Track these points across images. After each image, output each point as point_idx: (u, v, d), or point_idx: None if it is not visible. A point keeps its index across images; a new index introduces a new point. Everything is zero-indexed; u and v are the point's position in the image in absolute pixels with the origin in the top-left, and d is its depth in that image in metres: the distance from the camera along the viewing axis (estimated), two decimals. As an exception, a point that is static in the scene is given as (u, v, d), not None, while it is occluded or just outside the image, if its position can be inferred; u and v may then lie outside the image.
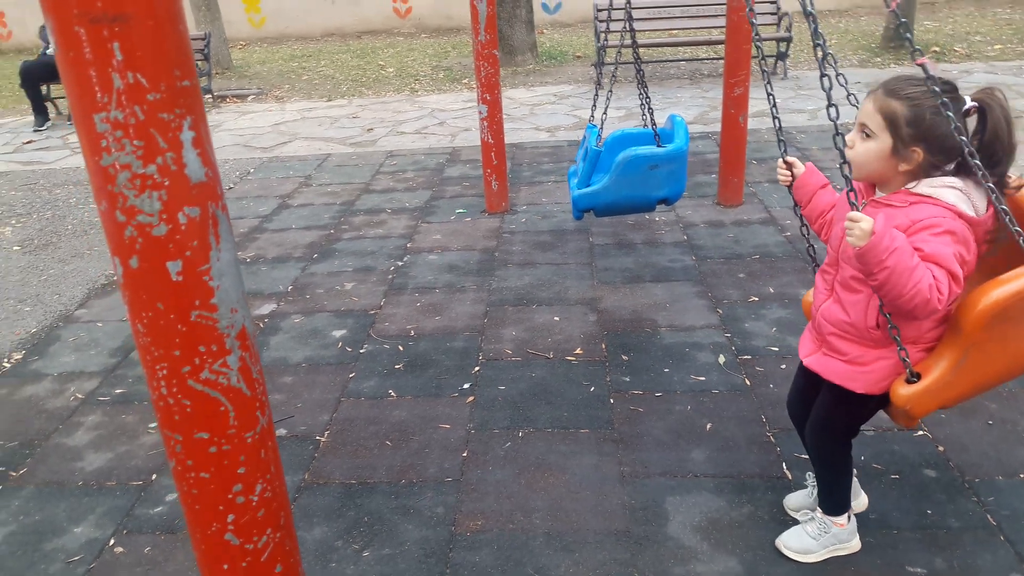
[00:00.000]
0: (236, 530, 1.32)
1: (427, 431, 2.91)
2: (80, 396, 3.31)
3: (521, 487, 2.58)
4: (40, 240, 5.31)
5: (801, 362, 2.15)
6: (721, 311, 3.65)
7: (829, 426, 2.10)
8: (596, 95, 4.21)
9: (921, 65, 1.76)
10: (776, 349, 3.29)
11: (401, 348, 3.52)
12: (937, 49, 9.70)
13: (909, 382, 1.86)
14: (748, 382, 3.07)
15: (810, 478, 2.39)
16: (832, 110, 1.89)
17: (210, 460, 1.26)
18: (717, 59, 9.65)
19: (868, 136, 1.85)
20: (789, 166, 2.19)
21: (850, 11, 13.05)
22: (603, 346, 3.42)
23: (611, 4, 4.16)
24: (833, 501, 2.20)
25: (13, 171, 7.17)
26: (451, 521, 2.45)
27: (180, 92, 1.12)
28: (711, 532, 2.33)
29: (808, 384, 2.18)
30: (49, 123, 8.87)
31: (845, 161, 1.82)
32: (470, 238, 4.79)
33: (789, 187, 2.22)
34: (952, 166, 1.82)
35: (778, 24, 9.04)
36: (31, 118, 8.92)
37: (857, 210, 1.75)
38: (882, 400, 1.97)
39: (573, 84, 9.43)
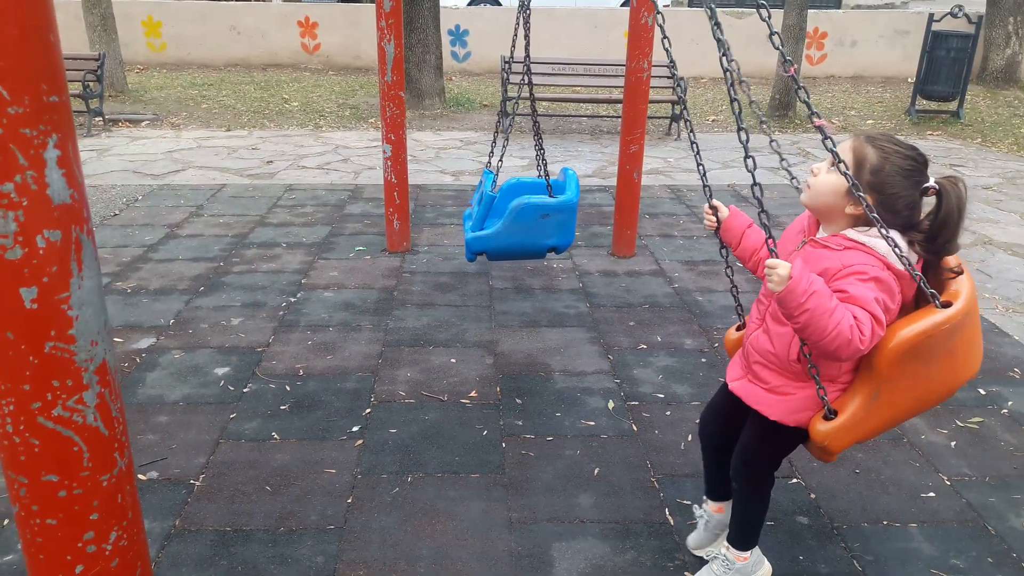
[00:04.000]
0: (85, 582, 1.21)
1: (311, 476, 2.80)
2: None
3: (407, 534, 2.51)
4: None
5: (725, 384, 2.22)
6: (612, 357, 3.72)
7: (753, 458, 2.15)
8: (494, 142, 4.28)
9: (819, 127, 1.87)
10: (662, 396, 3.37)
11: (288, 388, 3.39)
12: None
13: (827, 419, 1.95)
14: (635, 427, 3.13)
15: (697, 513, 2.44)
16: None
17: (58, 505, 1.16)
18: (616, 117, 10.01)
19: (829, 170, 1.96)
20: (715, 210, 2.28)
21: (741, 81, 13.85)
22: (498, 389, 3.41)
23: (512, 57, 4.26)
24: (745, 536, 2.26)
25: None
26: (331, 571, 2.35)
27: (46, 108, 1.05)
28: (593, 580, 2.33)
29: (727, 406, 2.23)
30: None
31: (763, 210, 2.00)
32: (368, 276, 4.71)
33: (716, 230, 2.31)
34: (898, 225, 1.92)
35: (674, 88, 9.49)
36: None
37: (775, 257, 1.86)
38: (801, 434, 2.05)
39: (479, 131, 9.55)
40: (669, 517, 2.61)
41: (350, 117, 10.13)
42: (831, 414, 1.95)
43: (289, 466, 2.85)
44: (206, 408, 3.22)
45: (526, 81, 3.99)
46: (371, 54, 13.67)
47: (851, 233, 1.92)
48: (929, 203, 1.92)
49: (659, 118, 9.73)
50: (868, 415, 1.94)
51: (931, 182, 1.88)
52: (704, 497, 2.44)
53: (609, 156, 8.17)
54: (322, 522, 2.56)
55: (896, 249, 1.84)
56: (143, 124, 9.48)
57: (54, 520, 1.17)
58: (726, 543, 2.28)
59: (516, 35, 4.00)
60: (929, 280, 1.88)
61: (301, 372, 3.53)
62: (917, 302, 1.94)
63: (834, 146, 1.88)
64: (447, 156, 8.15)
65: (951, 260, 1.96)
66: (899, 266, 1.86)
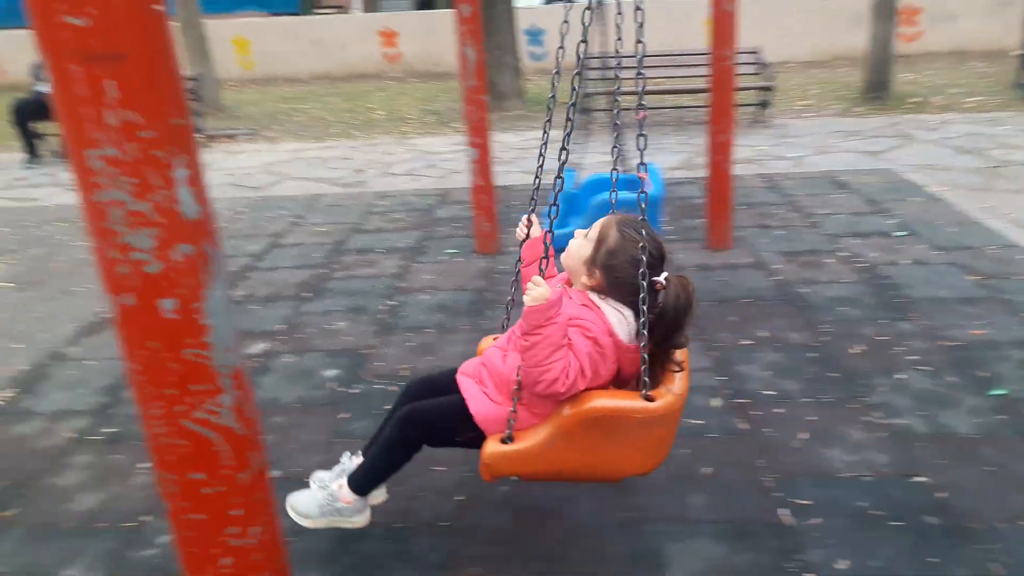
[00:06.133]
0: (232, 574, 1.27)
1: (422, 474, 2.84)
2: (71, 435, 3.22)
3: (519, 533, 2.52)
4: (30, 277, 5.24)
5: (453, 370, 2.39)
6: (714, 354, 3.63)
7: (426, 422, 2.24)
8: (566, 139, 4.25)
9: (641, 179, 2.10)
10: (772, 393, 3.26)
11: (393, 389, 3.47)
12: (918, 100, 9.92)
13: (503, 442, 2.10)
14: (745, 426, 3.04)
15: (345, 458, 2.51)
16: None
17: (204, 501, 1.23)
18: (700, 107, 9.81)
19: (587, 238, 2.17)
20: (529, 224, 2.44)
21: (829, 63, 13.36)
22: (597, 388, 3.38)
23: (587, 53, 4.19)
24: (365, 481, 2.34)
25: (3, 207, 7.12)
26: (448, 567, 2.38)
27: (174, 131, 1.11)
28: (712, 580, 2.27)
29: (441, 383, 2.37)
30: (39, 160, 8.84)
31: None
32: (461, 278, 4.77)
33: (521, 243, 2.45)
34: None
35: (760, 74, 9.22)
36: (21, 155, 8.89)
37: (542, 276, 2.03)
38: (475, 440, 2.19)
39: (561, 130, 9.53)
40: (786, 517, 2.52)
41: (433, 123, 10.30)
42: (508, 439, 2.10)
43: (399, 465, 2.90)
44: (318, 409, 3.33)
45: (605, 77, 3.94)
46: (450, 60, 13.86)
47: (592, 294, 2.13)
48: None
49: (746, 105, 9.47)
50: (536, 457, 2.09)
51: (661, 277, 2.05)
52: (360, 451, 2.50)
53: (695, 147, 8.00)
54: (436, 519, 2.60)
55: (622, 323, 2.05)
56: (240, 139, 9.91)
57: (201, 515, 1.23)
58: (344, 480, 2.36)
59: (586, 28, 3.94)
60: (654, 369, 2.05)
61: (405, 373, 3.61)
62: (637, 384, 2.08)
63: (646, 142, 2.14)
64: (530, 156, 8.16)
65: (677, 355, 2.14)
66: (623, 339, 2.05)
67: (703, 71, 8.63)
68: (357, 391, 3.47)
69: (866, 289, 4.26)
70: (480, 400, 2.20)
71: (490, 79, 10.41)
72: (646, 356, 2.01)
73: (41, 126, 8.93)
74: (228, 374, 1.21)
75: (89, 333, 4.26)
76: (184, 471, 1.20)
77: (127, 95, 1.05)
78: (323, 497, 2.36)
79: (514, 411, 2.10)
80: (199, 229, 1.16)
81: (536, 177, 2.50)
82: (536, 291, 1.94)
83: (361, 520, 2.40)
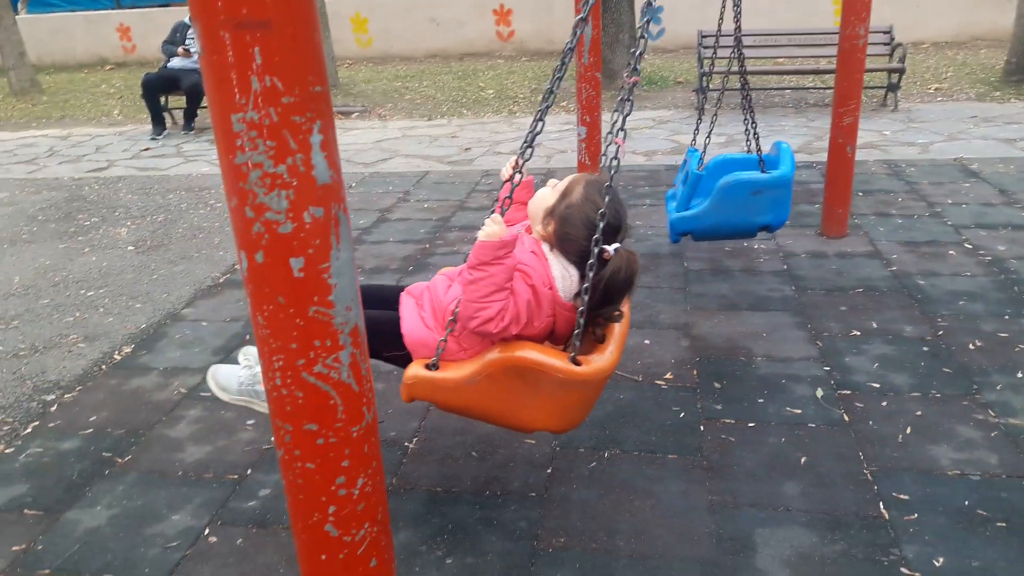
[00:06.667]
0: (336, 522, 1.36)
1: (512, 446, 2.92)
2: (183, 391, 3.48)
3: (606, 507, 2.56)
4: (152, 241, 5.64)
5: (401, 289, 2.46)
6: (821, 343, 3.53)
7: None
8: (699, 119, 4.18)
9: (617, 144, 2.04)
10: (877, 386, 3.15)
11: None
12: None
13: (427, 367, 2.15)
14: (847, 418, 2.95)
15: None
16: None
17: (316, 451, 1.32)
18: (823, 88, 9.39)
19: (555, 188, 2.20)
20: (516, 167, 2.40)
21: (968, 44, 12.46)
22: (694, 372, 3.36)
23: (719, 31, 4.13)
24: None
25: (131, 176, 7.66)
26: (534, 536, 2.45)
27: (312, 97, 1.18)
28: (801, 567, 2.25)
29: (387, 295, 2.42)
30: (166, 132, 9.39)
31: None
32: (563, 258, 4.79)
33: (504, 181, 2.45)
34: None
35: (891, 55, 8.73)
36: (149, 127, 9.48)
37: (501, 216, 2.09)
38: (402, 360, 2.25)
39: (673, 109, 9.36)
40: (884, 511, 2.45)
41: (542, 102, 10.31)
42: (432, 367, 2.15)
43: (492, 435, 2.99)
44: (418, 377, 3.46)
45: (736, 55, 3.86)
46: (564, 38, 13.77)
47: (544, 245, 2.17)
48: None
49: (873, 88, 8.99)
50: (455, 390, 2.13)
51: (610, 247, 2.04)
52: None
53: (816, 131, 7.69)
54: (524, 489, 2.67)
55: (564, 278, 2.09)
56: (353, 116, 10.24)
57: (312, 464, 1.33)
58: None
59: (724, 6, 3.87)
60: (585, 335, 2.08)
61: (502, 347, 3.68)
62: (567, 346, 2.10)
63: (631, 108, 2.05)
64: (639, 136, 8.07)
65: (615, 326, 2.17)
66: (561, 295, 2.08)
67: (829, 51, 8.26)
68: (458, 361, 3.57)
69: (990, 283, 4.02)
70: (414, 322, 2.26)
71: (603, 57, 10.31)
72: (581, 320, 2.03)
73: (169, 101, 9.51)
74: (348, 332, 1.29)
75: (205, 296, 4.56)
76: (300, 422, 1.29)
77: (270, 61, 1.12)
78: (247, 376, 2.46)
79: (444, 340, 2.14)
80: (330, 192, 1.23)
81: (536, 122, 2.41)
82: (491, 228, 1.98)
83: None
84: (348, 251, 1.27)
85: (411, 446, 2.96)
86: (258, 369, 2.43)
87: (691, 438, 2.90)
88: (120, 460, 2.98)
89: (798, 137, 7.52)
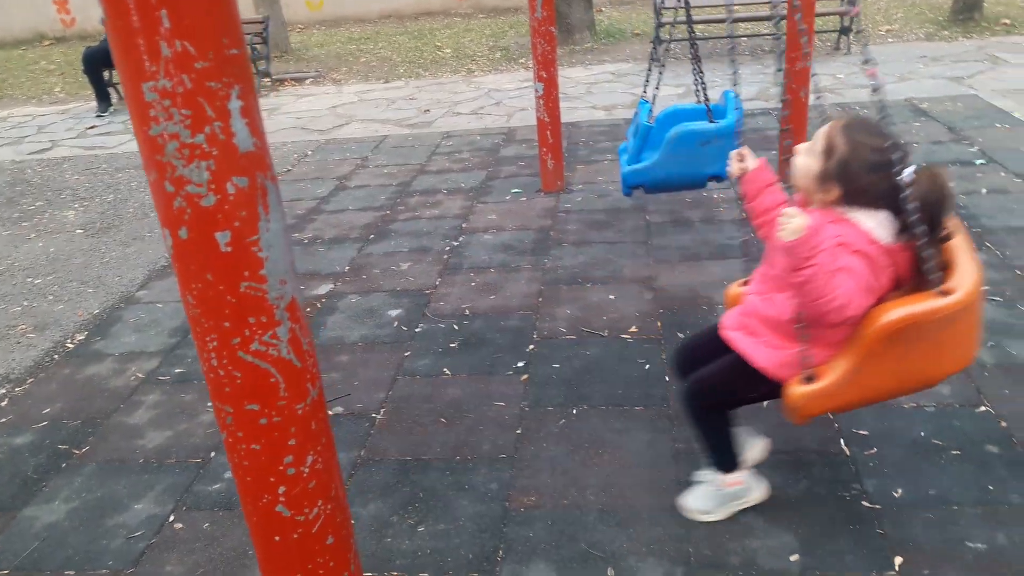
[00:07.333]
0: (287, 502, 1.33)
1: (481, 408, 2.91)
2: (140, 376, 3.40)
3: (575, 464, 2.56)
4: (102, 223, 5.47)
5: (714, 327, 2.23)
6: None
7: (713, 391, 2.15)
8: (649, 71, 4.11)
9: (871, 76, 1.90)
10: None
11: (456, 327, 3.52)
12: (1007, 22, 9.22)
13: (805, 383, 1.97)
14: (810, 362, 2.98)
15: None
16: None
17: (260, 432, 1.27)
18: (779, 35, 9.34)
19: (811, 153, 1.98)
20: (741, 158, 2.24)
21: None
22: (659, 324, 3.36)
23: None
24: (721, 459, 2.24)
25: (76, 156, 7.41)
26: (505, 497, 2.44)
27: (228, 60, 1.11)
28: (767, 508, 2.28)
29: (711, 346, 2.20)
30: (111, 108, 9.06)
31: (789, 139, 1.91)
32: (525, 218, 4.75)
33: (738, 179, 2.27)
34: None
35: (844, -3, 8.69)
36: (94, 104, 9.15)
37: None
38: (771, 391, 2.06)
39: (632, 62, 9.26)
40: (845, 447, 2.50)
41: (501, 59, 10.15)
42: (810, 379, 1.97)
43: (461, 400, 2.97)
44: (383, 347, 3.42)
45: (682, 3, 3.78)
46: (518, -7, 13.53)
47: (837, 209, 1.94)
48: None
49: (826, 32, 8.97)
50: (845, 387, 1.95)
51: (907, 172, 1.85)
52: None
53: (772, 77, 7.66)
54: (494, 451, 2.66)
55: (879, 228, 1.87)
56: (307, 82, 9.99)
57: (257, 445, 1.28)
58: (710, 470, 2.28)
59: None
60: (932, 265, 1.87)
61: (467, 312, 3.65)
62: (917, 284, 1.93)
63: (867, 40, 1.78)
64: (599, 91, 7.98)
65: (952, 243, 1.95)
66: (885, 242, 1.88)
67: (781, -4, 8.18)
68: (420, 330, 3.53)
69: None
70: (761, 352, 2.05)
71: (559, 11, 10.13)
72: (923, 255, 1.85)
73: (113, 75, 9.18)
74: (284, 306, 1.24)
75: (159, 277, 4.45)
76: (240, 402, 1.24)
77: (180, 24, 1.04)
78: (712, 492, 2.28)
79: (806, 350, 1.96)
80: (254, 161, 1.16)
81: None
82: (795, 222, 1.77)
83: (758, 492, 2.28)
84: (279, 222, 1.21)
85: (379, 417, 2.93)
86: (710, 478, 2.28)
87: (657, 389, 2.90)
88: (77, 451, 2.91)
89: (755, 84, 7.49)
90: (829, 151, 1.92)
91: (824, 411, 2.03)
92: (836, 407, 2.04)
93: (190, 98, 1.09)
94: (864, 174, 1.87)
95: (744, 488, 2.26)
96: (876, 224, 1.89)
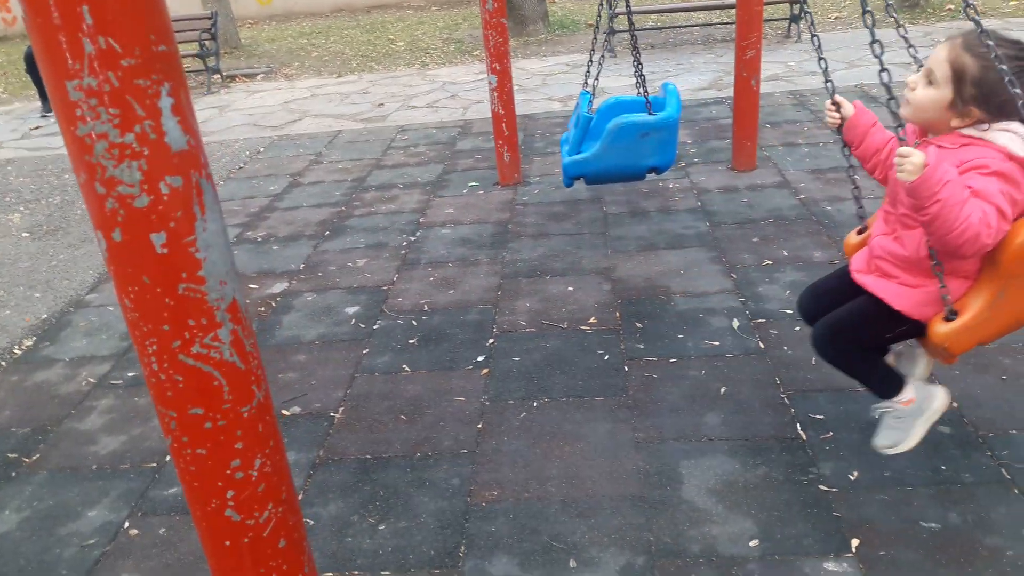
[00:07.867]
0: (236, 506, 1.30)
1: (442, 404, 2.90)
2: (92, 380, 3.32)
3: (536, 456, 2.56)
4: (49, 226, 5.33)
5: (842, 270, 2.20)
6: (735, 276, 3.58)
7: (849, 334, 2.11)
8: (590, 61, 4.14)
9: (974, 19, 1.78)
10: (790, 312, 3.23)
11: (415, 323, 3.50)
12: (952, 7, 9.44)
13: (947, 319, 1.89)
14: (762, 345, 3.02)
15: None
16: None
17: (206, 436, 1.24)
18: (730, 23, 9.44)
19: (931, 83, 1.85)
20: (837, 106, 2.17)
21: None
22: (617, 314, 3.37)
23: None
24: (882, 387, 2.20)
25: (21, 157, 7.20)
26: (466, 492, 2.44)
27: (156, 57, 1.08)
28: (726, 494, 2.31)
29: (839, 289, 2.18)
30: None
31: (892, 97, 1.87)
32: (483, 211, 4.74)
33: (838, 129, 2.20)
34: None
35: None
36: (38, 104, 8.91)
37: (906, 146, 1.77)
38: (911, 330, 2.01)
39: (586, 53, 9.27)
40: (801, 432, 2.53)
41: (455, 52, 10.10)
42: (952, 315, 1.89)
43: (421, 396, 2.95)
44: (340, 345, 3.38)
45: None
46: (471, -15, 13.47)
47: (966, 130, 1.84)
48: None
49: (777, 20, 9.09)
50: (992, 316, 1.86)
51: None
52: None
53: (725, 66, 7.74)
54: (455, 447, 2.65)
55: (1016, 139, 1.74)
56: (259, 77, 9.83)
57: (203, 450, 1.25)
58: (884, 401, 2.23)
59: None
60: None
61: (426, 307, 3.63)
62: None
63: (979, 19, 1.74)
64: (554, 82, 7.99)
65: None
66: (1021, 155, 1.77)
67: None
68: (378, 327, 3.50)
69: (896, 206, 4.16)
70: (898, 293, 1.99)
71: (512, 3, 10.10)
72: None
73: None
74: (225, 308, 1.21)
75: (109, 279, 4.31)
76: (184, 407, 1.21)
77: (102, 20, 1.00)
78: (893, 421, 2.22)
79: (943, 286, 1.89)
80: (188, 159, 1.13)
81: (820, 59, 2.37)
82: (911, 161, 1.71)
83: (939, 401, 2.20)
84: (217, 221, 1.18)
85: (337, 416, 2.90)
86: (886, 408, 2.23)
87: (616, 379, 2.92)
88: (27, 460, 2.83)
89: (707, 74, 7.56)
90: (959, 76, 1.80)
91: (974, 345, 1.94)
92: (985, 339, 1.94)
93: (118, 96, 1.06)
94: (1002, 87, 1.75)
95: (918, 405, 2.19)
96: (1011, 139, 1.78)
